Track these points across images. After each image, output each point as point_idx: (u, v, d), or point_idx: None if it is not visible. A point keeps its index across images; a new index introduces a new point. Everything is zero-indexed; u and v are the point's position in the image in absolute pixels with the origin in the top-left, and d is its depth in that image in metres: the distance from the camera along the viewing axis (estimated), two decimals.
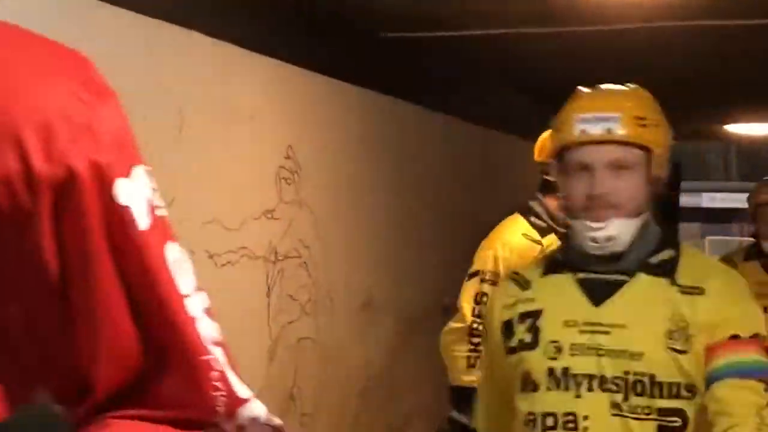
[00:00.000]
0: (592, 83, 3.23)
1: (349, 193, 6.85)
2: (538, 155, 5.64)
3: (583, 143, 3.38)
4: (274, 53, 6.00)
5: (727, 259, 6.75)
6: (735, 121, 11.76)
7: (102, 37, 4.66)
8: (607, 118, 3.39)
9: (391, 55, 7.33)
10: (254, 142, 5.92)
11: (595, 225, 3.35)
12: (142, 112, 4.87)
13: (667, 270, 3.43)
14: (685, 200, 12.06)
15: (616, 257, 3.44)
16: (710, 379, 3.27)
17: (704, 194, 23.10)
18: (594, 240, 3.38)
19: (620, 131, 3.36)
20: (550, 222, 5.57)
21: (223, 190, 5.62)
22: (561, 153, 3.47)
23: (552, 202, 5.39)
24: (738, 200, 8.37)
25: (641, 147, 3.37)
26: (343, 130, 6.71)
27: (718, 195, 23.18)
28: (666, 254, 3.48)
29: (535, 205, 5.68)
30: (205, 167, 5.45)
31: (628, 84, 3.58)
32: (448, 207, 7.82)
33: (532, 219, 5.64)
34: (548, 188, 5.33)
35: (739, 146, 13.19)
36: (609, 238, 3.35)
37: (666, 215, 11.19)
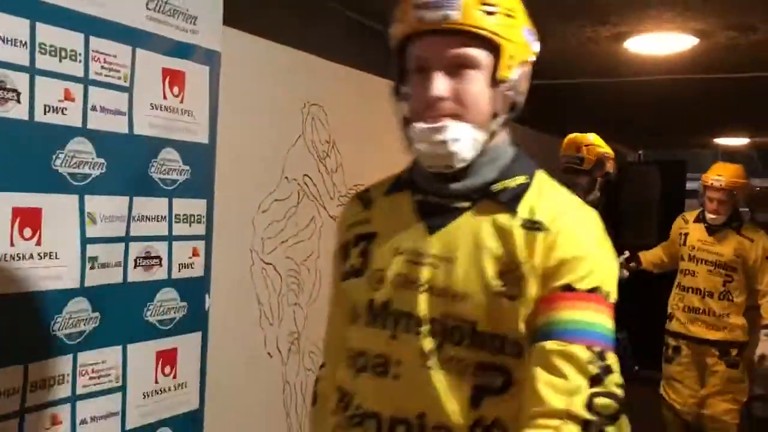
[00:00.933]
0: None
1: None
2: (563, 150, 5.40)
3: (420, 34, 2.00)
4: None
5: (683, 218, 6.39)
6: (720, 136, 11.72)
7: (333, 89, 4.60)
8: (444, 1, 1.94)
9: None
10: None
11: (429, 126, 1.99)
12: (356, 133, 4.85)
13: (511, 199, 2.06)
14: (689, 185, 11.70)
15: (456, 177, 2.09)
16: (531, 339, 1.95)
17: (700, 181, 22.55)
18: (429, 147, 2.02)
19: (459, 18, 1.93)
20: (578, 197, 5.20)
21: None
22: (401, 50, 2.08)
23: (581, 180, 5.20)
24: None
25: (488, 41, 1.98)
26: None
27: None
28: (515, 181, 2.10)
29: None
30: (396, 161, 5.18)
31: None
32: None
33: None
34: (572, 172, 5.20)
35: (723, 151, 12.98)
36: (442, 142, 1.99)
37: (676, 195, 10.92)
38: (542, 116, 7.93)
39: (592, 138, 5.35)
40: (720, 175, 6.07)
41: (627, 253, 6.12)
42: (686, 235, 6.21)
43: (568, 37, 5.31)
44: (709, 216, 6.05)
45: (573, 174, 5.24)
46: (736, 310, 5.95)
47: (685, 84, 6.89)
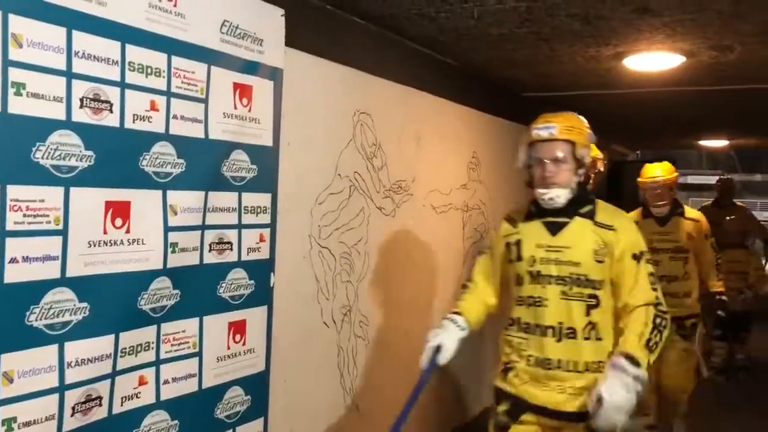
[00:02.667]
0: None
1: (502, 175, 6.62)
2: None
3: None
4: (466, 104, 5.77)
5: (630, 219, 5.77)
6: (703, 139, 11.61)
7: (378, 99, 4.50)
8: None
9: (526, 106, 7.10)
10: (456, 148, 5.66)
11: None
12: (398, 137, 4.73)
13: None
14: (679, 179, 11.73)
15: None
16: None
17: (689, 176, 22.37)
18: None
19: None
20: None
21: (440, 173, 5.38)
22: None
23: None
24: (705, 180, 7.86)
25: None
26: (501, 143, 6.50)
27: (696, 176, 22.62)
28: None
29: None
30: (431, 161, 5.22)
31: None
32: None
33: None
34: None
35: (706, 151, 12.98)
36: None
37: None
38: None
39: None
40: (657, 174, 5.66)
41: None
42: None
43: (576, 57, 5.21)
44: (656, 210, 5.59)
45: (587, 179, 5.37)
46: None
47: (674, 95, 6.80)
